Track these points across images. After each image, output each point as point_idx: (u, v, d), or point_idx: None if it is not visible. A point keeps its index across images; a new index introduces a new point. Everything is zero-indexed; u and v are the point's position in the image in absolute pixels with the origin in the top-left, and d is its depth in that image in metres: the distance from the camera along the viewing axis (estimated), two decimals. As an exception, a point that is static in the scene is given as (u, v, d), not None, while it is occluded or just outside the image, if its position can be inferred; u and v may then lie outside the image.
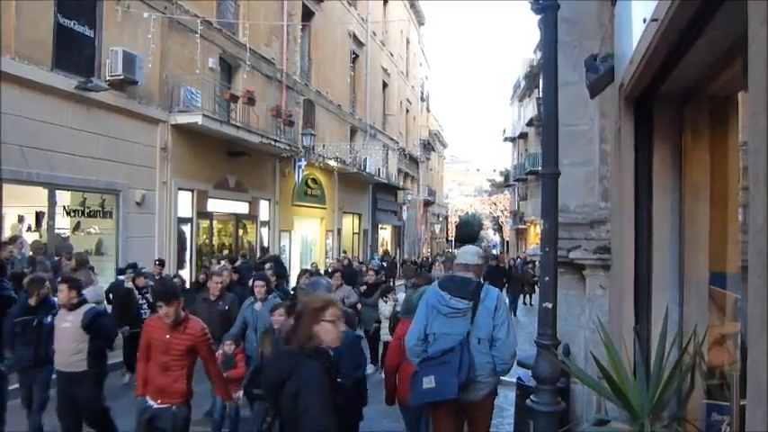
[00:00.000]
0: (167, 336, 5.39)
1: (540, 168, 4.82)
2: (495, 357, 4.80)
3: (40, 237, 12.31)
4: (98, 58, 13.12)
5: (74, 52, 12.59)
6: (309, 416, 3.18)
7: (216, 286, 8.61)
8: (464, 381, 4.64)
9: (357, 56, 29.86)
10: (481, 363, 4.75)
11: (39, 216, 12.55)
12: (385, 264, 25.44)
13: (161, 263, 12.55)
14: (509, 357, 4.86)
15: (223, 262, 14.08)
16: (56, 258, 11.36)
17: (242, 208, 19.65)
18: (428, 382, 4.69)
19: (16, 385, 7.09)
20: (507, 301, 12.50)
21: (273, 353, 4.50)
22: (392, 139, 36.32)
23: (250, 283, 10.14)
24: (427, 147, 51.21)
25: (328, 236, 26.79)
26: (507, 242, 61.69)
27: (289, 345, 3.48)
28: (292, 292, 11.32)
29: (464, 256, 5.25)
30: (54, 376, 6.57)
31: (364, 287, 12.26)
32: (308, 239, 25.47)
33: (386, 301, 10.39)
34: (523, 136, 51.79)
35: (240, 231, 19.84)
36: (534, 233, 41.66)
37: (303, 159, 21.40)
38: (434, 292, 5.04)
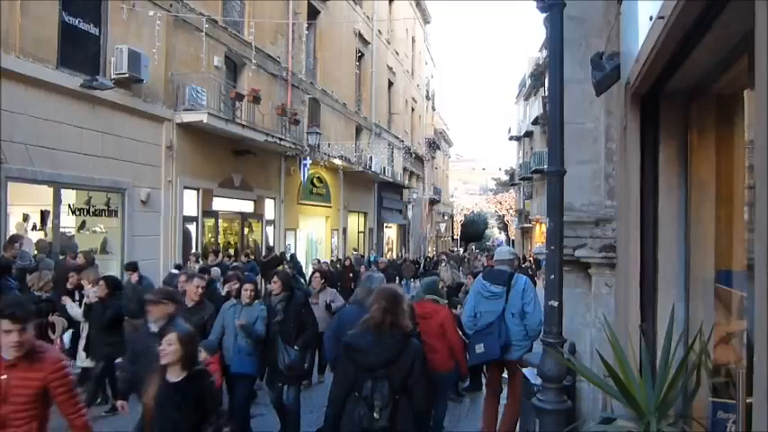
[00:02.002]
0: (3, 375, 3.73)
1: (545, 167, 4.83)
2: (527, 325, 6.45)
3: (45, 236, 12.33)
4: (103, 56, 13.14)
5: (79, 50, 12.61)
6: (424, 377, 4.46)
7: (195, 291, 7.23)
8: (503, 344, 6.41)
9: (362, 54, 29.85)
10: (515, 331, 6.48)
11: (44, 215, 12.57)
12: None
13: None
14: (536, 325, 6.33)
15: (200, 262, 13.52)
16: (61, 257, 11.39)
17: (247, 206, 19.69)
18: (479, 348, 6.52)
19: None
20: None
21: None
22: (398, 138, 36.32)
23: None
24: (432, 145, 51.17)
25: (334, 234, 26.82)
26: (513, 241, 61.66)
27: (381, 329, 4.42)
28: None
29: (500, 255, 7.32)
30: None
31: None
32: (313, 238, 25.49)
33: None
34: (529, 134, 51.76)
35: (246, 230, 19.87)
36: (540, 232, 41.63)
37: (308, 158, 21.43)
38: (479, 281, 6.96)
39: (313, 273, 10.83)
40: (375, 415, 4.20)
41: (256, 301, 7.29)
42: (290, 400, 7.21)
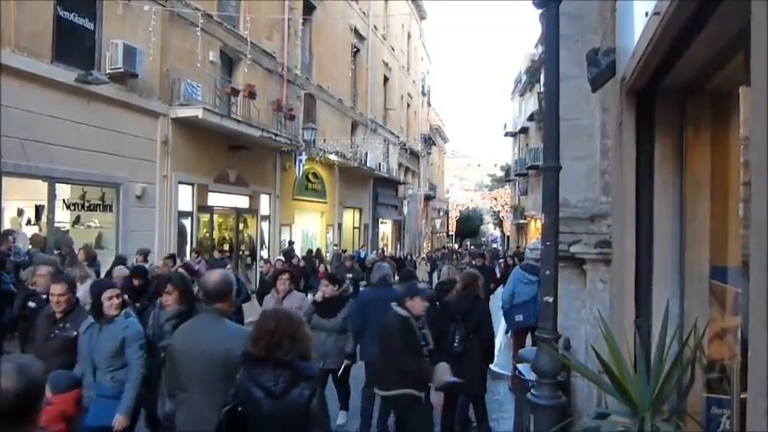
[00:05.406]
0: None
1: (540, 163, 4.84)
2: None
3: (40, 230, 12.32)
4: (98, 50, 13.10)
5: (74, 45, 12.56)
6: (488, 325, 6.96)
7: (57, 300, 5.35)
8: (535, 316, 7.79)
9: (358, 50, 29.81)
10: None
11: (38, 209, 12.55)
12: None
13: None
14: None
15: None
16: (55, 252, 11.36)
17: (242, 202, 19.67)
18: (519, 317, 9.23)
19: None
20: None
21: None
22: (393, 134, 36.28)
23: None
24: (428, 141, 51.13)
25: (329, 230, 26.79)
26: (508, 237, 61.72)
27: (462, 295, 6.98)
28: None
29: (529, 254, 10.29)
30: None
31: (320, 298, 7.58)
32: (308, 234, 25.47)
33: None
34: (524, 131, 51.67)
35: (241, 225, 19.85)
36: (535, 228, 41.61)
37: (304, 153, 21.39)
38: (518, 271, 9.68)
39: (277, 274, 8.21)
40: (455, 344, 6.63)
41: (122, 313, 5.23)
42: None
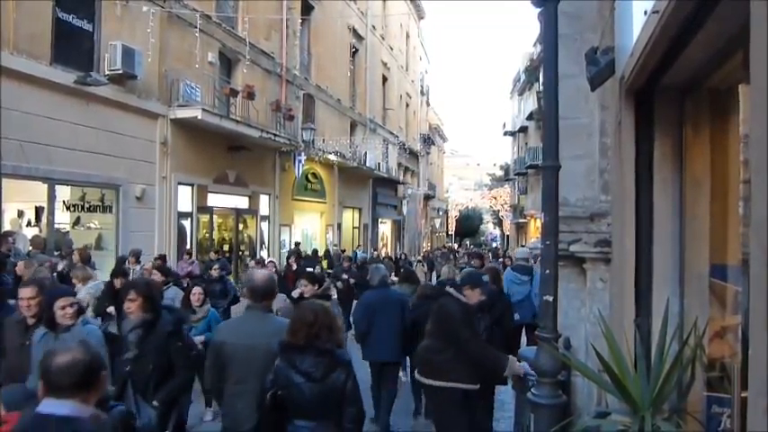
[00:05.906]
0: None
1: (540, 162, 4.85)
2: None
3: (40, 231, 12.31)
4: (97, 52, 13.09)
5: (73, 46, 12.56)
6: (509, 316, 7.64)
7: (27, 304, 5.06)
8: (533, 314, 8.85)
9: (357, 50, 29.80)
10: (538, 305, 7.77)
11: (38, 211, 12.54)
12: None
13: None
14: None
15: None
16: (56, 253, 11.35)
17: (242, 202, 19.69)
18: (516, 316, 8.86)
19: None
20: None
21: None
22: (392, 134, 36.27)
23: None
24: (427, 141, 51.12)
25: (328, 230, 26.79)
26: (507, 236, 61.72)
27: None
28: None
29: (521, 254, 11.38)
30: None
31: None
32: (308, 234, 25.47)
33: None
34: (523, 130, 51.68)
35: (240, 226, 19.86)
36: (534, 227, 41.62)
37: (303, 154, 21.39)
38: (510, 272, 10.42)
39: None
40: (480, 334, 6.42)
41: (79, 321, 4.96)
42: None
